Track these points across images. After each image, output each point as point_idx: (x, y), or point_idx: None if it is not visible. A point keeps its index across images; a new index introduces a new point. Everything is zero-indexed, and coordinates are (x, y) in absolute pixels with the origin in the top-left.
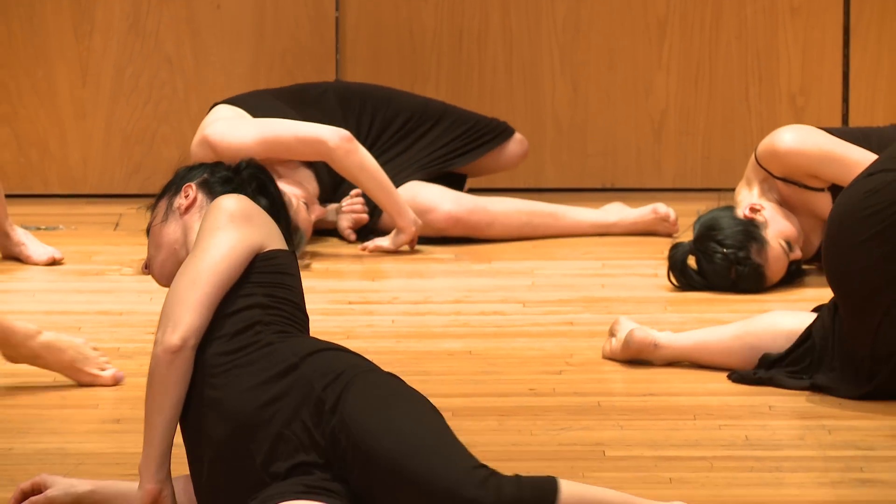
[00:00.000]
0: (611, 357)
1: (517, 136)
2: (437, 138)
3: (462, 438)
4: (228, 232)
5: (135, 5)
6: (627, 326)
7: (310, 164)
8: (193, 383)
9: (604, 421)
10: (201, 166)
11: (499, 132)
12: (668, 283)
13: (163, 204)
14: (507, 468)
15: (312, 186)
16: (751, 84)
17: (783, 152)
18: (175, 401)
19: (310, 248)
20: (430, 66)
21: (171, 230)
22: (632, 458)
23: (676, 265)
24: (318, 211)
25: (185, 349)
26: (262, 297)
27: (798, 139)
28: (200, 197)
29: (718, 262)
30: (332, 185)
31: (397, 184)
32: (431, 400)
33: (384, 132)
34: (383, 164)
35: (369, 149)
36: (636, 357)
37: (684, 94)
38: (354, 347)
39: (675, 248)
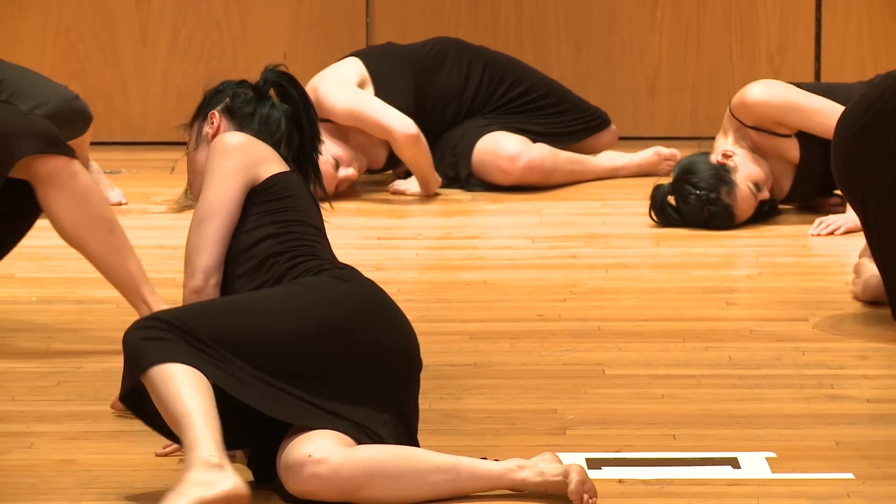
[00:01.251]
0: (854, 297)
1: (612, 127)
2: (553, 115)
3: (478, 358)
4: (220, 174)
5: None
6: (869, 269)
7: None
8: None
9: (603, 343)
10: (225, 86)
11: (601, 121)
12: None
13: (194, 130)
14: (517, 385)
15: (370, 159)
16: (734, 44)
17: (752, 104)
18: None
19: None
20: (449, 26)
21: (202, 157)
22: (628, 376)
23: (657, 205)
24: (348, 174)
25: (207, 287)
26: (270, 226)
27: (765, 91)
28: (224, 123)
29: (692, 202)
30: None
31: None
32: (452, 324)
33: (506, 95)
34: (501, 123)
35: (491, 108)
36: (876, 299)
37: (675, 53)
38: (382, 278)
39: (655, 190)
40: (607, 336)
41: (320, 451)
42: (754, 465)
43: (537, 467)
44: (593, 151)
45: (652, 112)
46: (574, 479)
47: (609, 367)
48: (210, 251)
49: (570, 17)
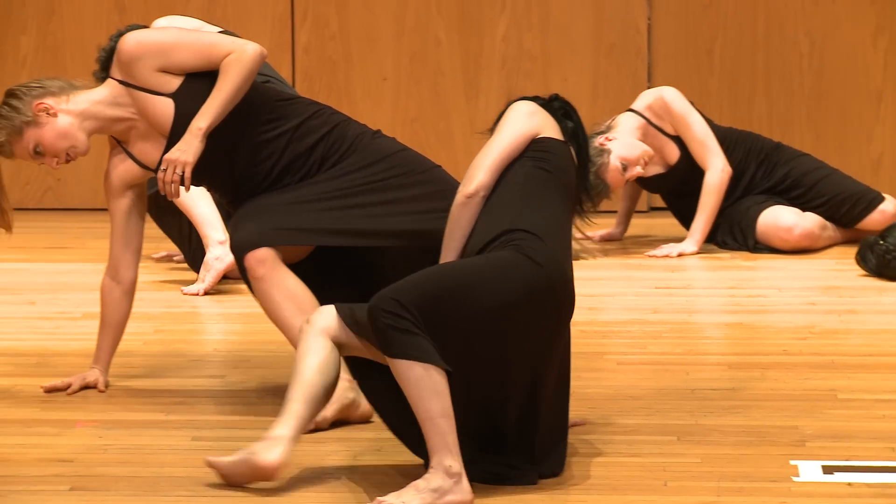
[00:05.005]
0: None
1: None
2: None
3: (735, 384)
4: (514, 123)
5: None
6: None
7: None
8: None
9: (836, 373)
10: (535, 98)
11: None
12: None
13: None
14: (766, 405)
15: (662, 153)
16: None
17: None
18: (462, 234)
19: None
20: (714, 112)
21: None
22: (856, 399)
23: (859, 254)
24: (634, 173)
25: (475, 197)
26: (531, 167)
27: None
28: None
29: (878, 253)
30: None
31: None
32: (714, 356)
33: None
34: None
35: (763, 189)
36: None
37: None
38: (657, 319)
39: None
40: (839, 367)
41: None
42: None
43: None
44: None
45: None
46: None
47: (840, 392)
48: (488, 173)
49: (812, 112)
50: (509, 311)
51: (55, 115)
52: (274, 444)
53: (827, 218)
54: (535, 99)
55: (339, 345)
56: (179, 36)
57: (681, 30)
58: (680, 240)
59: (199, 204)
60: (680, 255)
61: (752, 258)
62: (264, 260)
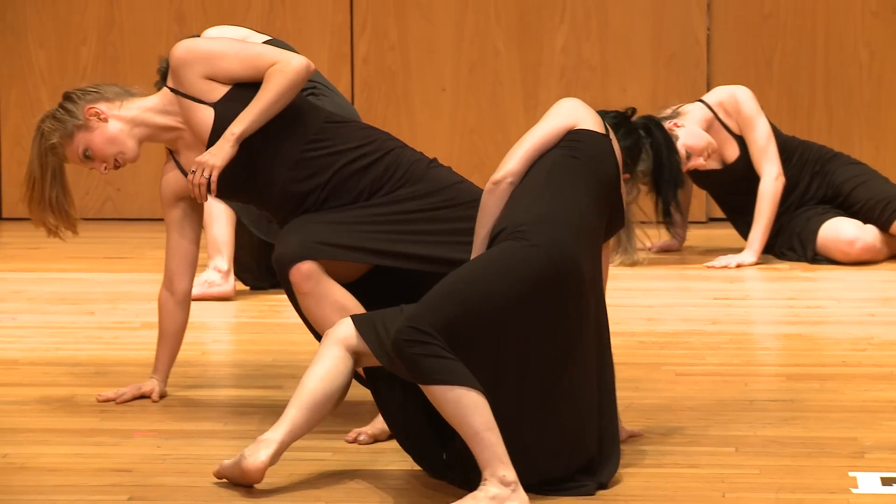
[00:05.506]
0: None
1: None
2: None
3: (793, 395)
4: (553, 115)
5: None
6: None
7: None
8: None
9: (895, 384)
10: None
11: None
12: None
13: None
14: (825, 417)
15: (723, 149)
16: None
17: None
18: (489, 221)
19: None
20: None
21: None
22: None
23: None
24: (696, 163)
25: (502, 183)
26: (560, 155)
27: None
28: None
29: None
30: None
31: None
32: (773, 367)
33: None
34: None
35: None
36: None
37: None
38: (716, 330)
39: None
40: None
41: None
42: None
43: None
44: None
45: None
46: None
47: None
48: (520, 161)
49: (871, 123)
50: (524, 300)
51: (106, 119)
52: (262, 447)
53: (864, 221)
54: (615, 114)
55: (358, 354)
56: (228, 45)
57: (740, 40)
58: (738, 251)
59: (217, 224)
60: (738, 265)
61: (810, 269)
62: (310, 274)
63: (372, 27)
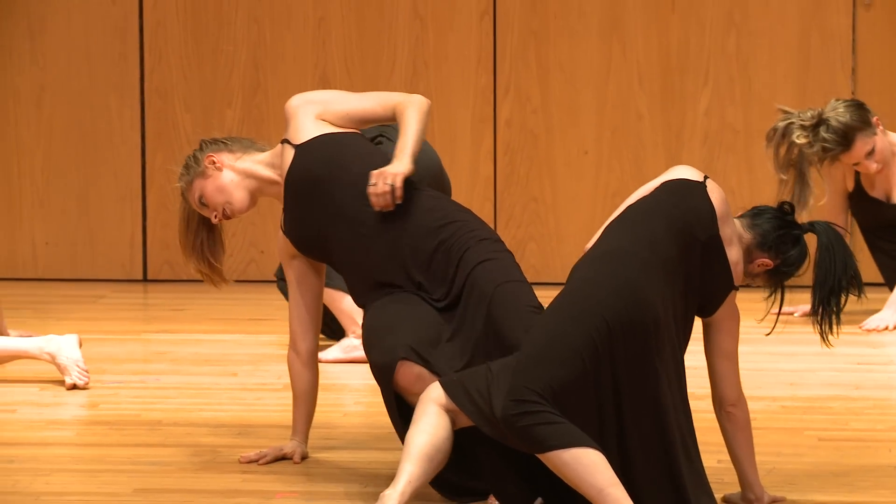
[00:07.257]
0: None
1: None
2: None
3: (852, 463)
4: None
5: None
6: None
7: None
8: None
9: None
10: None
11: None
12: None
13: None
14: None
15: (886, 190)
16: None
17: None
18: None
19: None
20: None
21: None
22: None
23: None
24: (869, 163)
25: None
26: (649, 195)
27: None
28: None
29: None
30: None
31: None
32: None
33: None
34: None
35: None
36: None
37: None
38: (859, 396)
39: None
40: None
41: None
42: None
43: None
44: None
45: None
46: None
47: None
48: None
49: None
50: (599, 342)
51: (220, 168)
52: (386, 502)
53: None
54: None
55: (454, 413)
56: (343, 92)
57: (885, 106)
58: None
59: (346, 298)
60: None
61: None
62: (420, 376)
63: (515, 90)
